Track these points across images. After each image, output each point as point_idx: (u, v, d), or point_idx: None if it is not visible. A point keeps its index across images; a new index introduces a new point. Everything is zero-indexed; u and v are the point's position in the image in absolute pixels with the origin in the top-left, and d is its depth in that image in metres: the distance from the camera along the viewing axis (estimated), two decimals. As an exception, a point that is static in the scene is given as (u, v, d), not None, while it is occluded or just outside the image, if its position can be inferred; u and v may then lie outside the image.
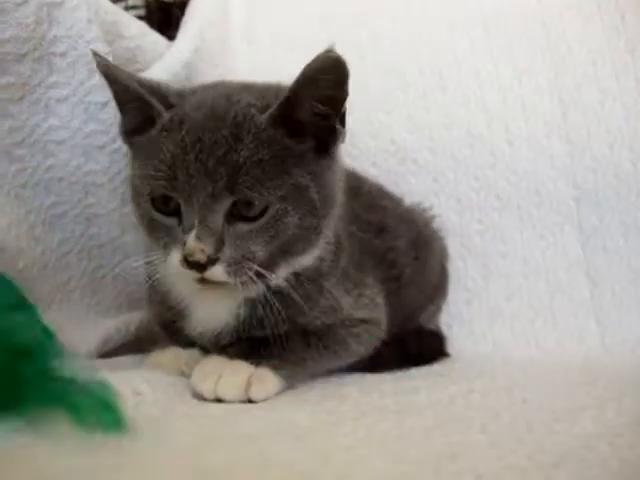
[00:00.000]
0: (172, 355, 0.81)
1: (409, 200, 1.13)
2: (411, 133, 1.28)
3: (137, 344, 0.98)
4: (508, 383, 0.84)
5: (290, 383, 0.74)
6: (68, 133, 0.90)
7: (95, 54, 0.73)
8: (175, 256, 0.67)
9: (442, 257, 1.07)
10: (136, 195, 0.73)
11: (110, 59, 0.88)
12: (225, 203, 0.67)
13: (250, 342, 0.74)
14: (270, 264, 0.70)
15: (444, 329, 1.14)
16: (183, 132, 0.67)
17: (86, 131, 0.91)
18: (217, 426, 0.60)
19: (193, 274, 0.67)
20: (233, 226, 0.67)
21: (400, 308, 0.92)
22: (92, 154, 0.92)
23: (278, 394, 0.72)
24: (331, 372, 0.83)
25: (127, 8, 1.82)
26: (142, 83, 0.73)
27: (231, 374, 0.69)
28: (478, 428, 0.61)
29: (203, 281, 0.68)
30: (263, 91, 0.74)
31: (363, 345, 0.83)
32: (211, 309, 0.76)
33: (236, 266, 0.67)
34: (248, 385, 0.68)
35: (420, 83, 1.30)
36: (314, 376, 0.79)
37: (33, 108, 0.87)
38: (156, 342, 0.88)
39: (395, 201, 1.02)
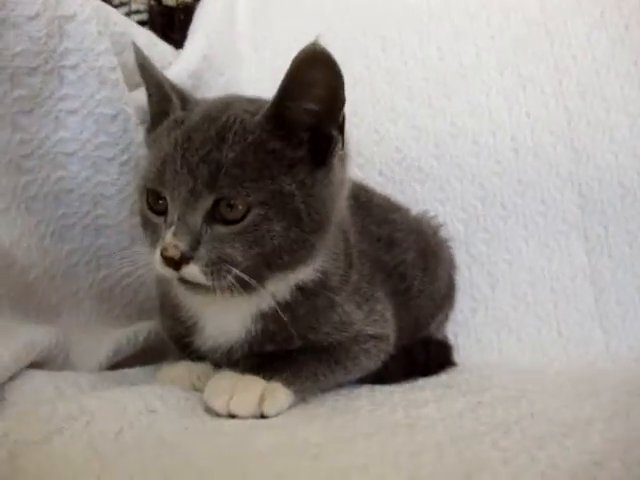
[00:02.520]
0: (183, 369, 0.81)
1: (415, 209, 1.14)
2: (417, 141, 1.29)
3: (146, 355, 0.98)
4: (516, 394, 0.84)
5: (302, 397, 0.75)
6: (78, 145, 0.91)
7: (134, 45, 0.79)
8: (157, 253, 0.67)
9: (450, 266, 1.08)
10: (137, 189, 0.76)
11: (119, 72, 0.89)
12: (205, 202, 0.67)
13: (261, 356, 0.74)
14: (254, 274, 0.68)
15: (450, 338, 1.15)
16: (178, 131, 0.70)
17: (96, 143, 0.91)
18: (232, 444, 0.60)
19: (172, 273, 0.67)
20: (212, 227, 0.67)
21: (410, 319, 0.92)
22: (101, 166, 0.93)
23: (290, 409, 0.72)
24: (341, 385, 0.83)
25: (130, 13, 1.82)
26: (170, 82, 0.78)
27: (244, 390, 0.69)
28: (490, 444, 0.61)
29: (184, 282, 0.68)
30: (263, 101, 0.73)
31: (372, 360, 0.83)
32: (222, 324, 0.76)
33: (213, 267, 0.66)
34: (261, 400, 0.69)
35: (426, 91, 1.31)
36: (325, 390, 0.80)
37: (43, 120, 0.87)
38: (164, 353, 0.89)
39: (403, 212, 1.03)
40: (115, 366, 0.96)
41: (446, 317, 1.10)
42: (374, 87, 1.34)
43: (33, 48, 0.81)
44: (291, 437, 0.62)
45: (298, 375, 0.74)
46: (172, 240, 0.66)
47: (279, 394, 0.71)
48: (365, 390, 0.84)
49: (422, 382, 0.91)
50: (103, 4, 0.95)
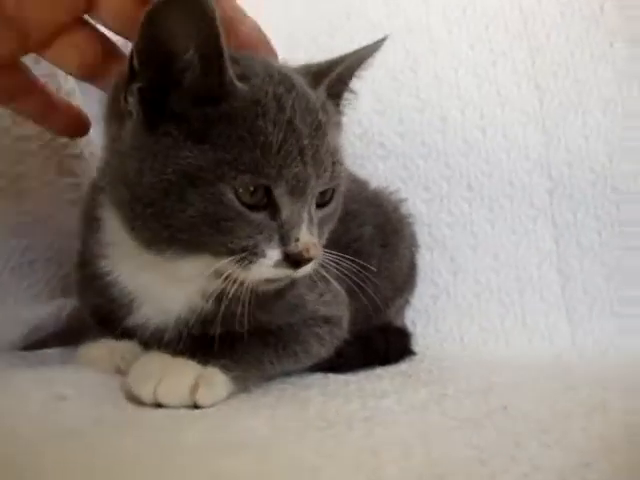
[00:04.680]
0: (105, 348, 0.70)
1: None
2: (380, 115, 1.20)
3: (68, 334, 0.86)
4: (482, 387, 0.76)
5: (243, 386, 0.64)
6: None
7: None
8: (273, 255, 0.58)
9: (412, 244, 0.99)
10: (190, 184, 0.56)
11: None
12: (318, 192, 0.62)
13: (198, 338, 0.64)
14: None
15: (409, 325, 1.07)
16: (287, 114, 0.58)
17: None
18: (157, 438, 0.49)
19: (286, 273, 0.60)
20: (317, 214, 0.63)
21: (367, 302, 0.83)
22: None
23: (229, 398, 0.62)
24: (289, 373, 0.73)
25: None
26: None
27: (174, 375, 0.58)
28: (462, 441, 0.53)
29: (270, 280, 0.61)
30: (299, 70, 0.67)
31: (325, 347, 0.74)
32: (164, 303, 0.66)
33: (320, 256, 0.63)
34: (194, 388, 0.58)
35: (391, 63, 1.22)
36: (270, 378, 0.70)
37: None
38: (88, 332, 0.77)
39: (359, 184, 0.93)
40: (35, 346, 0.84)
41: (406, 302, 1.02)
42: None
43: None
44: (229, 431, 0.52)
45: (239, 360, 0.64)
46: (311, 238, 0.60)
47: (216, 381, 0.60)
48: (316, 379, 0.74)
49: (380, 371, 0.82)
50: None
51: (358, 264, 0.80)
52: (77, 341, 0.80)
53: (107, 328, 0.70)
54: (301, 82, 0.63)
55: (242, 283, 0.59)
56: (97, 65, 0.65)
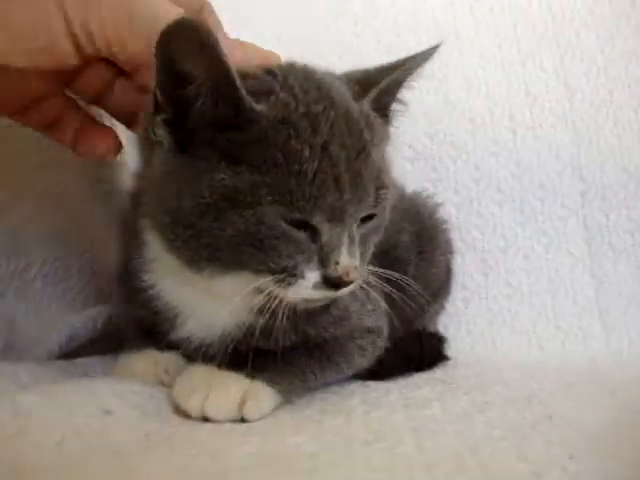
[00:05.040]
0: (148, 360, 0.69)
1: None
2: (407, 117, 1.18)
3: (105, 342, 0.86)
4: (523, 393, 0.75)
5: (287, 398, 0.64)
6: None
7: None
8: (311, 277, 0.57)
9: (447, 251, 0.97)
10: (230, 205, 0.54)
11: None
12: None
13: (242, 350, 0.63)
14: None
15: (441, 329, 1.06)
16: (323, 137, 0.55)
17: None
18: (205, 454, 0.49)
19: (325, 295, 0.59)
20: (359, 231, 0.61)
21: (404, 310, 0.82)
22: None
23: (274, 411, 0.61)
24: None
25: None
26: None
27: (222, 389, 0.58)
28: (514, 454, 0.52)
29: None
30: (343, 78, 0.64)
31: (366, 357, 0.73)
32: (209, 317, 0.64)
33: (362, 275, 0.61)
34: (242, 402, 0.58)
35: (418, 64, 1.21)
36: (312, 389, 0.69)
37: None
38: (124, 340, 0.76)
39: (397, 190, 0.92)
40: (70, 355, 0.84)
41: (441, 307, 1.00)
42: (363, 57, 1.22)
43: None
44: (278, 446, 0.52)
45: (285, 373, 0.63)
46: (351, 262, 0.57)
47: (263, 395, 0.60)
48: (357, 387, 0.74)
49: (417, 378, 0.82)
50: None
51: (396, 273, 0.78)
52: (112, 350, 0.80)
53: (151, 339, 0.69)
54: (343, 95, 0.60)
55: (282, 301, 0.58)
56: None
